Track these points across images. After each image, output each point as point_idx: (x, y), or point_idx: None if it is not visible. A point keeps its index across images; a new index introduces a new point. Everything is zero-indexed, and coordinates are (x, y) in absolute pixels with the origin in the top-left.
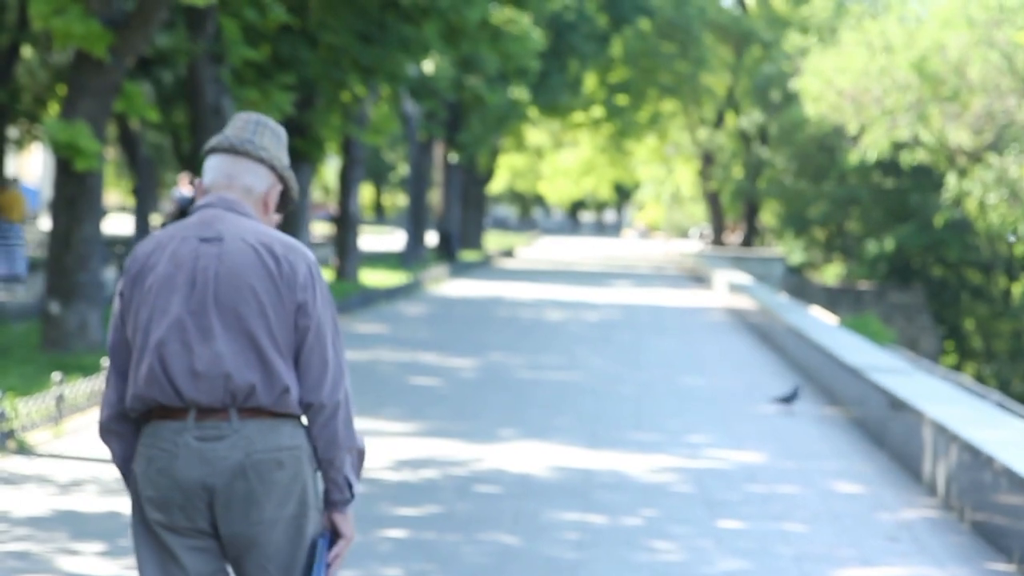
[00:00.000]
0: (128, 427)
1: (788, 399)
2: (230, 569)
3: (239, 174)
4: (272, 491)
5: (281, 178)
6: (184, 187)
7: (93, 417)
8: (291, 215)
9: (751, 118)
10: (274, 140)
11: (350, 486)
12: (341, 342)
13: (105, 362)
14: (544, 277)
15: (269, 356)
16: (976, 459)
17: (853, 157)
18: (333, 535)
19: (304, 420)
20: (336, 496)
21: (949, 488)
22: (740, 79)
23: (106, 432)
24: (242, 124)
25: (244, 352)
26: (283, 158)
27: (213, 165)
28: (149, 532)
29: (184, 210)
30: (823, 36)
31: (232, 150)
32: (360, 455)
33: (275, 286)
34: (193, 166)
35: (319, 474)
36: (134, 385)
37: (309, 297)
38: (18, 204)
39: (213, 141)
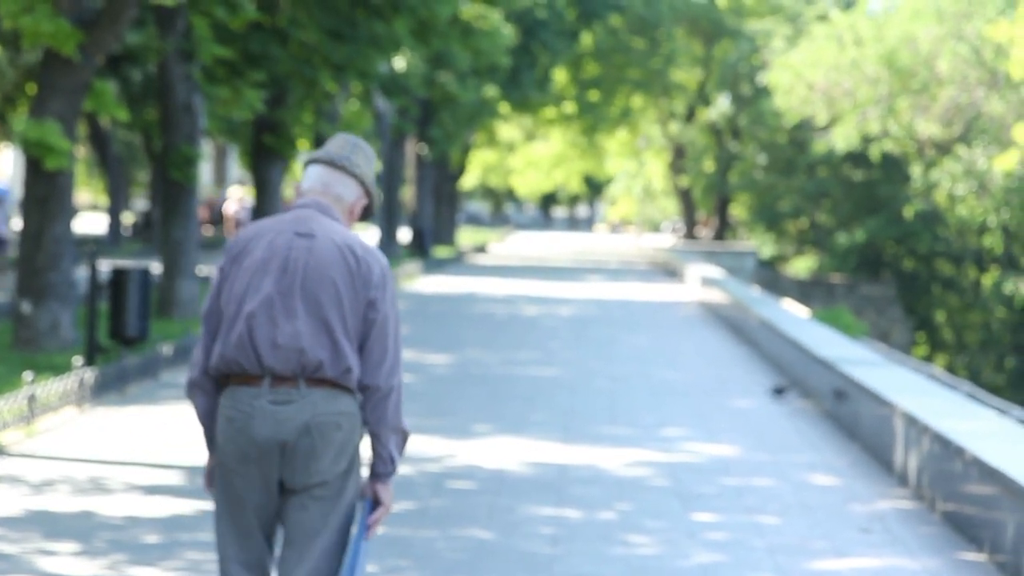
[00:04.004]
0: (212, 384)
1: (780, 391)
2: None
3: (333, 184)
4: (329, 447)
5: (367, 192)
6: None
7: (65, 416)
8: (266, 213)
9: (719, 109)
10: (366, 160)
11: (392, 461)
12: (400, 338)
13: (77, 361)
14: (517, 273)
15: (339, 339)
16: (947, 450)
17: (820, 146)
18: (374, 502)
19: (359, 397)
20: (380, 468)
21: (920, 479)
22: (712, 73)
23: (193, 387)
24: (342, 143)
25: (318, 333)
26: (371, 175)
27: (312, 174)
28: (225, 479)
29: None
30: (788, 17)
31: (331, 163)
32: (404, 436)
33: (352, 281)
34: (163, 165)
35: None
36: (223, 347)
37: (379, 295)
38: None
39: (315, 154)
